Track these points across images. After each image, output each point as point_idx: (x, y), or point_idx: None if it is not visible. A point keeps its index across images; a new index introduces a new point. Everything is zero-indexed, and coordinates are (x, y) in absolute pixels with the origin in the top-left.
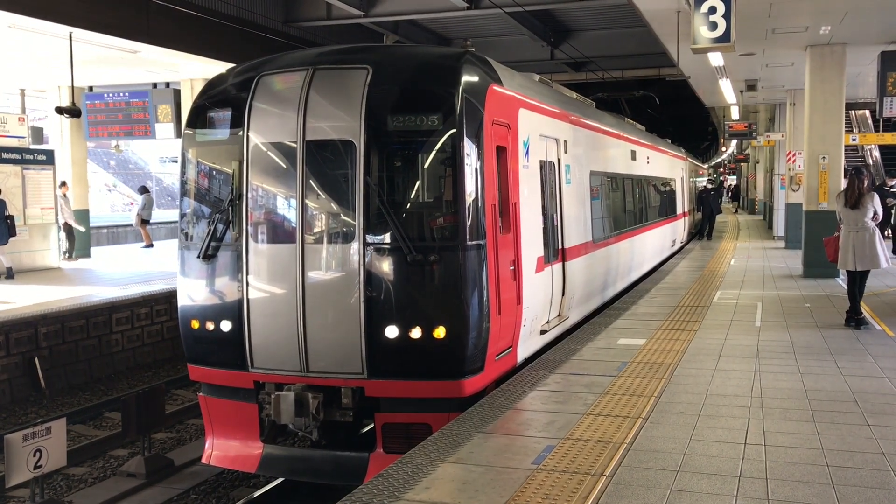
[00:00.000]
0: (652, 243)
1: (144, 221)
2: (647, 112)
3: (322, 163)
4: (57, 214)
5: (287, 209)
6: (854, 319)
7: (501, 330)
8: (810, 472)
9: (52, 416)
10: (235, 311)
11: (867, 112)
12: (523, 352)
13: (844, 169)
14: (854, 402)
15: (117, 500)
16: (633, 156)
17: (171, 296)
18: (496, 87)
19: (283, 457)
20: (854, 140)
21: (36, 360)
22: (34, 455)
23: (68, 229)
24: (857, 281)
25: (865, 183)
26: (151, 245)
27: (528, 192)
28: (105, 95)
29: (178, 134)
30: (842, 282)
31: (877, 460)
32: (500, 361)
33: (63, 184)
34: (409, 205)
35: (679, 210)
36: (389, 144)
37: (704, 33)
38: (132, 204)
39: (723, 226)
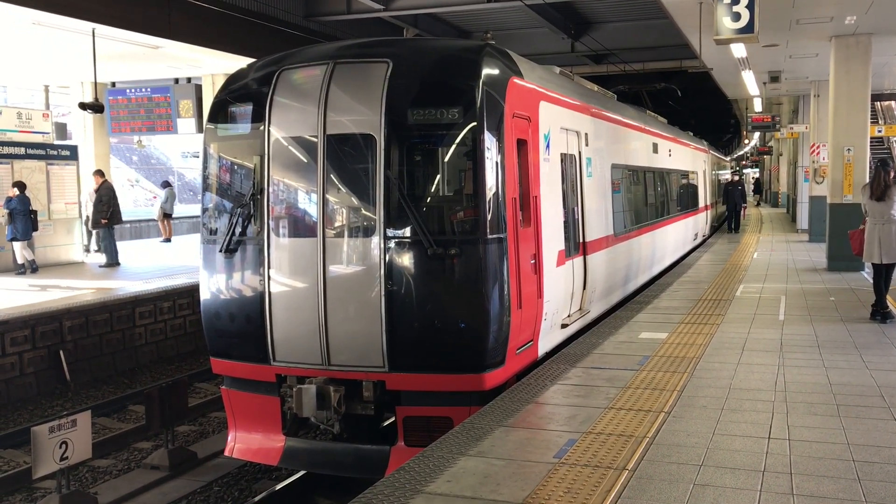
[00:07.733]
0: (674, 237)
1: (167, 215)
2: (668, 104)
3: (343, 157)
4: (81, 209)
5: (308, 203)
6: (880, 313)
7: (522, 323)
8: (835, 467)
9: (77, 408)
10: (257, 304)
11: (893, 103)
12: (544, 345)
13: (870, 161)
14: (880, 396)
15: (141, 492)
16: (655, 149)
17: (193, 290)
18: (517, 80)
19: (305, 450)
20: (879, 132)
21: (61, 353)
22: (60, 447)
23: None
24: (882, 274)
25: (891, 175)
26: (169, 240)
27: (548, 186)
28: (127, 91)
29: (200, 129)
30: (867, 275)
31: None
32: (521, 355)
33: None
34: (429, 198)
35: (701, 203)
36: (410, 138)
37: (727, 24)
38: (154, 198)
39: (745, 219)
